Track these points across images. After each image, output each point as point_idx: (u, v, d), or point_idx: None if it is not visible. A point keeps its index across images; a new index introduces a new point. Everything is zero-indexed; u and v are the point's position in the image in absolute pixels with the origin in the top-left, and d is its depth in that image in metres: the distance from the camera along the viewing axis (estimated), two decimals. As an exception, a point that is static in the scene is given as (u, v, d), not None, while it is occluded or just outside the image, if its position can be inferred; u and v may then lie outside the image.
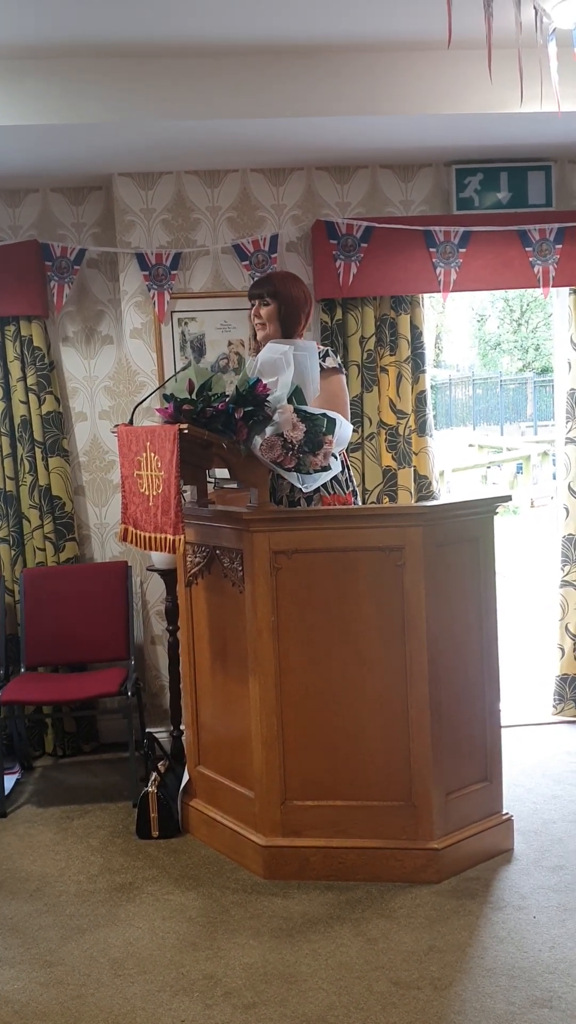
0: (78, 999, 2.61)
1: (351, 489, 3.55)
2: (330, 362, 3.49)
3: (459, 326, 25.94)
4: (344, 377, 3.57)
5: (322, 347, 3.54)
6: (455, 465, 14.96)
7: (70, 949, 2.86)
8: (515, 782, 3.88)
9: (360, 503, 3.89)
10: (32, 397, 4.45)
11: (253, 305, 3.55)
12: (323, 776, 3.17)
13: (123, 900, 3.14)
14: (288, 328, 3.51)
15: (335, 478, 3.41)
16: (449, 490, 12.34)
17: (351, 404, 4.38)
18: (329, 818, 3.18)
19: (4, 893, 3.24)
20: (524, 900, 3.01)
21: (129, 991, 2.63)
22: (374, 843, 3.15)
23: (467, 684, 3.23)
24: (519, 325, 25.33)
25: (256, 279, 3.69)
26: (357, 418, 4.39)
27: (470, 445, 17.97)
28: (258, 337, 3.58)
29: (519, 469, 15.19)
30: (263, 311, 3.51)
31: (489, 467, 15.90)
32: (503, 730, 3.39)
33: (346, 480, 3.53)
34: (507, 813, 3.37)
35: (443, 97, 3.74)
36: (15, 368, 4.44)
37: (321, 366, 3.42)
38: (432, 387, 4.63)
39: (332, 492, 3.42)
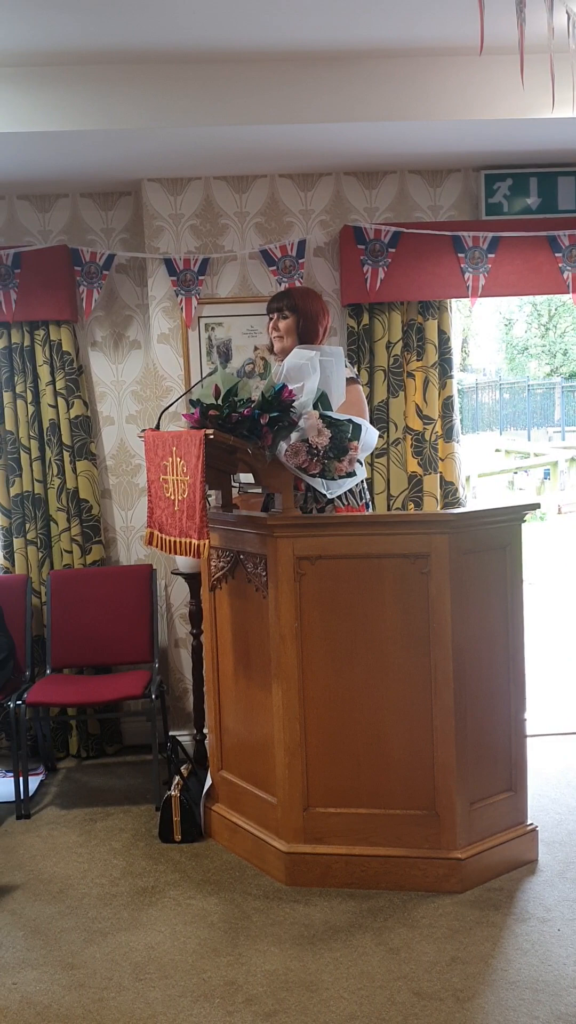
0: (99, 1002, 2.61)
1: (364, 501, 3.54)
2: (346, 372, 3.47)
3: (486, 330, 25.84)
4: (360, 387, 3.60)
5: None
6: (481, 471, 14.89)
7: (92, 952, 2.87)
8: (540, 792, 3.85)
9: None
10: (61, 401, 4.48)
11: (271, 319, 3.60)
12: (346, 783, 3.16)
13: (145, 904, 3.15)
14: (305, 341, 3.54)
15: (349, 489, 3.41)
16: (475, 496, 12.28)
17: (376, 410, 4.37)
18: (352, 826, 3.17)
19: (28, 894, 3.25)
20: (548, 912, 2.98)
21: (150, 996, 2.63)
22: (397, 851, 3.14)
23: (492, 693, 3.21)
24: (547, 330, 25.18)
25: (273, 295, 3.72)
26: (383, 423, 4.38)
27: (496, 450, 17.89)
28: (275, 349, 3.63)
29: (546, 475, 15.10)
30: (281, 324, 3.56)
31: (516, 473, 15.81)
32: (528, 739, 3.36)
33: (360, 491, 3.54)
34: (532, 824, 3.34)
35: (473, 103, 3.72)
36: (44, 372, 4.47)
37: None
38: (458, 391, 4.61)
39: (346, 503, 3.41)
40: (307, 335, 3.54)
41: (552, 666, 5.62)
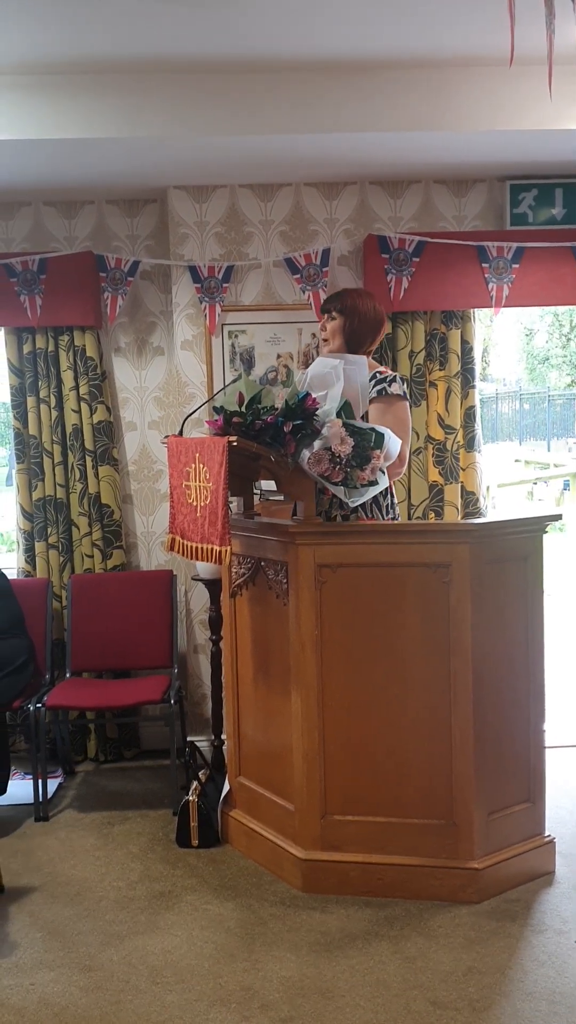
0: (116, 1005, 2.62)
1: (391, 516, 3.44)
2: (396, 388, 3.39)
3: (506, 340, 25.74)
4: (407, 405, 3.45)
5: (390, 372, 3.43)
6: (501, 481, 14.84)
7: (109, 955, 2.88)
8: (558, 804, 3.83)
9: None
10: (84, 406, 4.51)
11: (322, 319, 3.52)
12: (364, 791, 3.17)
13: (162, 908, 3.16)
14: (353, 345, 3.44)
15: (376, 501, 3.36)
16: (494, 506, 12.23)
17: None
18: (369, 834, 3.17)
19: (46, 896, 3.27)
20: (565, 924, 2.97)
21: (167, 999, 2.64)
22: (414, 860, 3.13)
23: (512, 703, 3.20)
24: (568, 340, 25.07)
25: (330, 293, 3.62)
26: (405, 432, 4.38)
27: (516, 460, 17.81)
28: (322, 352, 3.54)
29: (566, 486, 15.02)
30: (329, 325, 3.47)
31: (536, 483, 15.75)
32: (546, 751, 3.35)
33: (388, 505, 3.44)
34: (549, 835, 3.33)
35: (499, 113, 3.73)
36: (68, 377, 4.51)
37: (386, 391, 3.36)
38: (479, 401, 4.60)
39: (371, 516, 3.37)
40: (356, 339, 3.43)
41: (571, 677, 5.59)
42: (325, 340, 3.49)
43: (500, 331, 24.48)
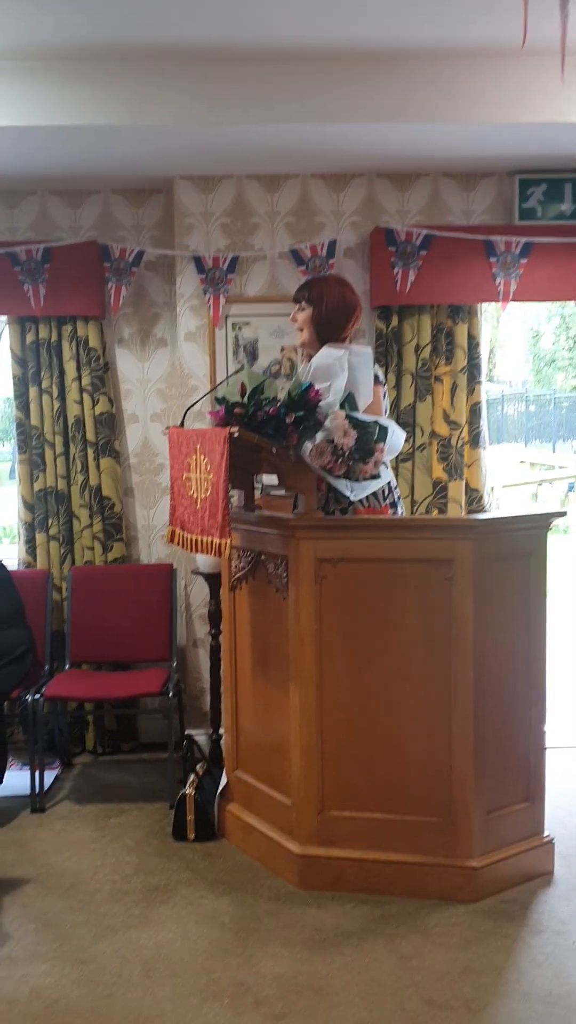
0: (108, 998, 2.60)
1: (389, 501, 3.39)
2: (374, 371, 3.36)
3: (513, 341, 25.70)
4: (382, 388, 3.42)
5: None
6: (505, 482, 14.81)
7: (102, 948, 2.86)
8: (557, 804, 3.79)
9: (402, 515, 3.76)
10: (86, 397, 4.49)
11: (294, 308, 3.45)
12: (361, 787, 3.14)
13: (156, 902, 3.13)
14: (326, 334, 3.34)
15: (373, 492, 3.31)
16: (499, 507, 12.19)
17: (403, 414, 4.35)
18: (366, 830, 3.14)
19: (39, 888, 3.25)
20: (563, 925, 2.94)
21: (159, 993, 2.62)
22: (411, 858, 3.11)
23: (512, 702, 3.17)
24: (575, 342, 25.01)
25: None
26: (409, 428, 4.35)
27: (521, 462, 17.78)
28: (296, 341, 3.51)
29: (571, 487, 14.99)
30: (299, 316, 3.40)
31: (540, 485, 15.72)
32: (547, 752, 3.32)
33: (383, 492, 3.37)
34: (548, 835, 3.30)
35: (509, 106, 3.69)
36: (71, 368, 4.48)
37: None
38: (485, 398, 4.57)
39: (367, 504, 3.31)
40: (327, 328, 3.34)
41: (572, 680, 5.56)
42: (299, 330, 3.42)
43: (506, 332, 24.45)
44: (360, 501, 3.27)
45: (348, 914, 3.02)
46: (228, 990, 2.63)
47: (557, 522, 3.27)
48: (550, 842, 3.29)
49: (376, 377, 3.39)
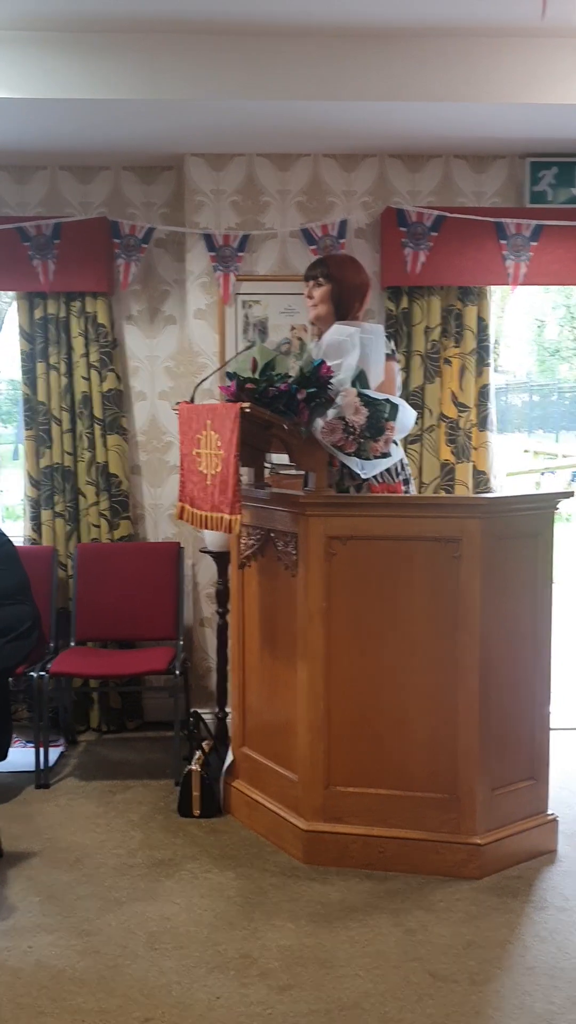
0: (113, 969, 2.61)
1: (402, 478, 3.42)
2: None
3: (517, 332, 25.58)
4: (396, 364, 3.45)
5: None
6: (509, 470, 14.77)
7: (108, 920, 2.87)
8: (560, 784, 3.80)
9: (413, 493, 3.78)
10: (94, 374, 4.48)
11: (307, 285, 3.47)
12: (367, 764, 3.15)
13: (162, 876, 3.15)
14: (342, 311, 3.39)
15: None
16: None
17: (413, 395, 4.34)
18: (371, 806, 3.15)
19: (44, 862, 3.26)
20: (567, 902, 2.96)
21: (164, 965, 2.63)
22: (416, 834, 3.12)
23: (518, 681, 3.18)
24: (580, 332, 24.89)
25: (312, 261, 3.63)
26: (418, 409, 4.34)
27: (525, 451, 17.73)
28: (310, 317, 3.52)
29: (574, 476, 14.95)
30: (316, 292, 3.42)
31: (543, 474, 15.67)
32: (552, 732, 3.32)
33: (396, 469, 3.39)
34: (552, 814, 3.31)
35: (523, 86, 3.67)
36: (79, 344, 4.47)
37: None
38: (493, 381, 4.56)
39: (381, 480, 3.32)
40: (343, 305, 3.39)
41: (572, 662, 5.55)
42: (314, 305, 3.44)
43: (511, 322, 24.34)
44: (374, 477, 3.27)
45: (353, 889, 3.03)
46: (233, 962, 2.64)
47: (560, 509, 3.27)
48: (554, 820, 3.30)
49: (391, 352, 3.39)
